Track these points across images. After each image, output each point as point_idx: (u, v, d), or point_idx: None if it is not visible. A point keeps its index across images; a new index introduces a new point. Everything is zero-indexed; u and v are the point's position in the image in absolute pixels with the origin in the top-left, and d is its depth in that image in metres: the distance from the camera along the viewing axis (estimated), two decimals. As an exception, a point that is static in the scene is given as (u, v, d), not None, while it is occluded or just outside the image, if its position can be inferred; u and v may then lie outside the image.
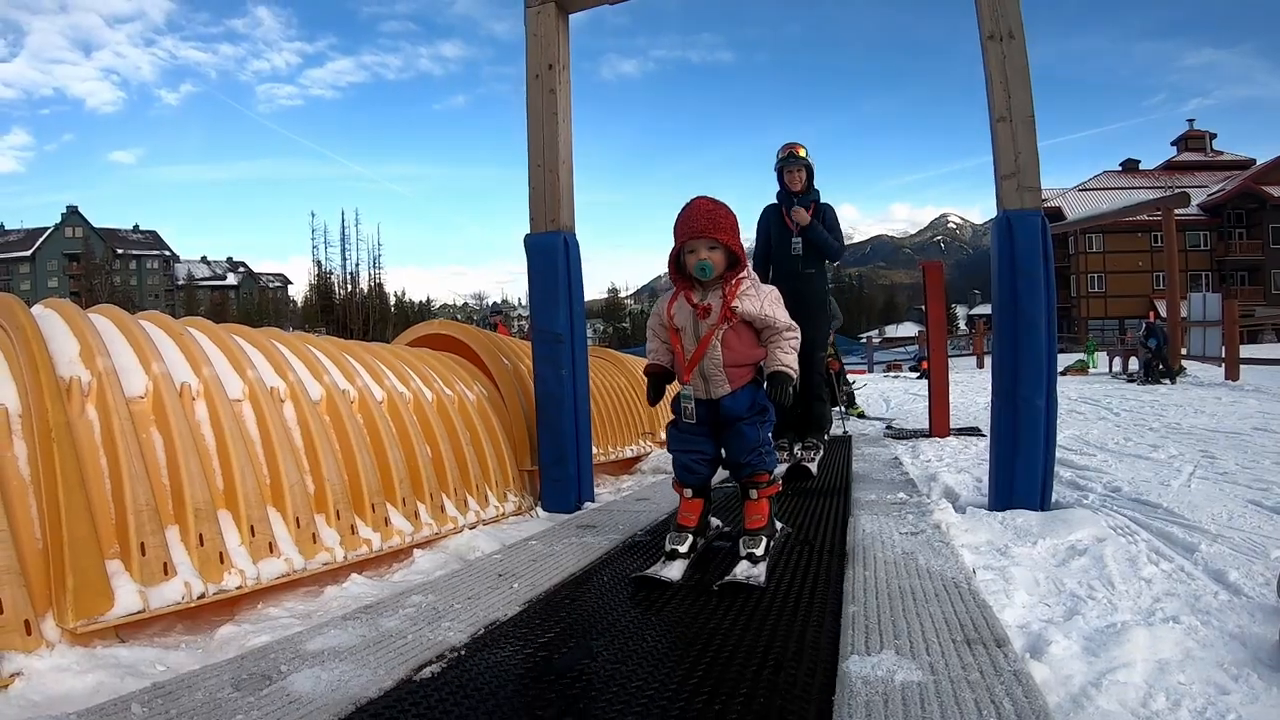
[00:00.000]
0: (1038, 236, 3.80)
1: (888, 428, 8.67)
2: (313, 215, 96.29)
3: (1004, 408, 3.90)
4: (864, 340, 52.93)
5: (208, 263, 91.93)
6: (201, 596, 2.64)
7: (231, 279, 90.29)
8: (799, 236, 5.38)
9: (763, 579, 2.65)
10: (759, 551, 2.75)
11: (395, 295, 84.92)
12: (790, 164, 5.41)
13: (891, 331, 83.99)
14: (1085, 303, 57.77)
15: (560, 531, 3.74)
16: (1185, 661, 2.10)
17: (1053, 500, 3.93)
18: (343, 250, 73.39)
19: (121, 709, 1.79)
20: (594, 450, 5.16)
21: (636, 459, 6.69)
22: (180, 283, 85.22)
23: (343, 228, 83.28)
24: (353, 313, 63.12)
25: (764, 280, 5.27)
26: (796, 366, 2.79)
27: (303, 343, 4.00)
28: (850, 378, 12.35)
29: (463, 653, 2.11)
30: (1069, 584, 2.80)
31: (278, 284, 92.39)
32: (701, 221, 2.74)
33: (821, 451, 5.46)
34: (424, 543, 3.67)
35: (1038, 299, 3.81)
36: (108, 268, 76.15)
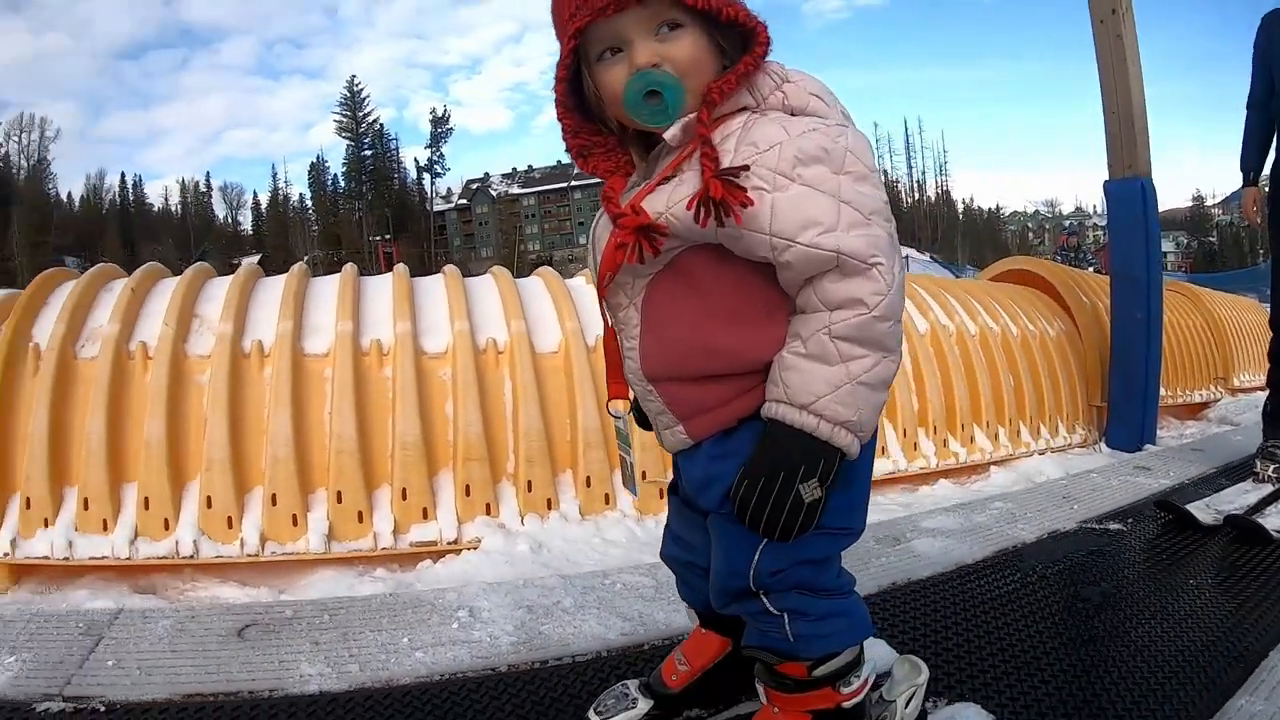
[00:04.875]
0: None
1: None
2: (875, 125, 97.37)
3: None
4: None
5: None
6: None
7: None
8: None
9: None
10: None
11: (963, 202, 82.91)
12: None
13: None
14: None
15: (1118, 469, 3.99)
16: None
17: None
18: (908, 158, 73.93)
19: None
20: (1161, 392, 5.20)
21: (1204, 405, 6.41)
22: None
23: (906, 135, 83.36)
24: (920, 221, 63.70)
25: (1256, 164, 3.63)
26: (859, 410, 1.11)
27: (908, 282, 4.82)
28: None
29: (1033, 545, 2.75)
30: None
31: None
32: None
33: None
34: (999, 461, 4.34)
35: None
36: None
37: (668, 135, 1.15)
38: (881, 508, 3.68)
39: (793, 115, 1.15)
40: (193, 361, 3.08)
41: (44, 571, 2.95)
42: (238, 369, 3.05)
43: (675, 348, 1.20)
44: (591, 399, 3.27)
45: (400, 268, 3.73)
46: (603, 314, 1.30)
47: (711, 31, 1.15)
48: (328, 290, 3.50)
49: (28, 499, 2.89)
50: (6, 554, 2.85)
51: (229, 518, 2.86)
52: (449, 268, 3.91)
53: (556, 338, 3.43)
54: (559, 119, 1.24)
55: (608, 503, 3.28)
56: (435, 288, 3.61)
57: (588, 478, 3.26)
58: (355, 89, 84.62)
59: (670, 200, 1.12)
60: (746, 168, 1.08)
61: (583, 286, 3.86)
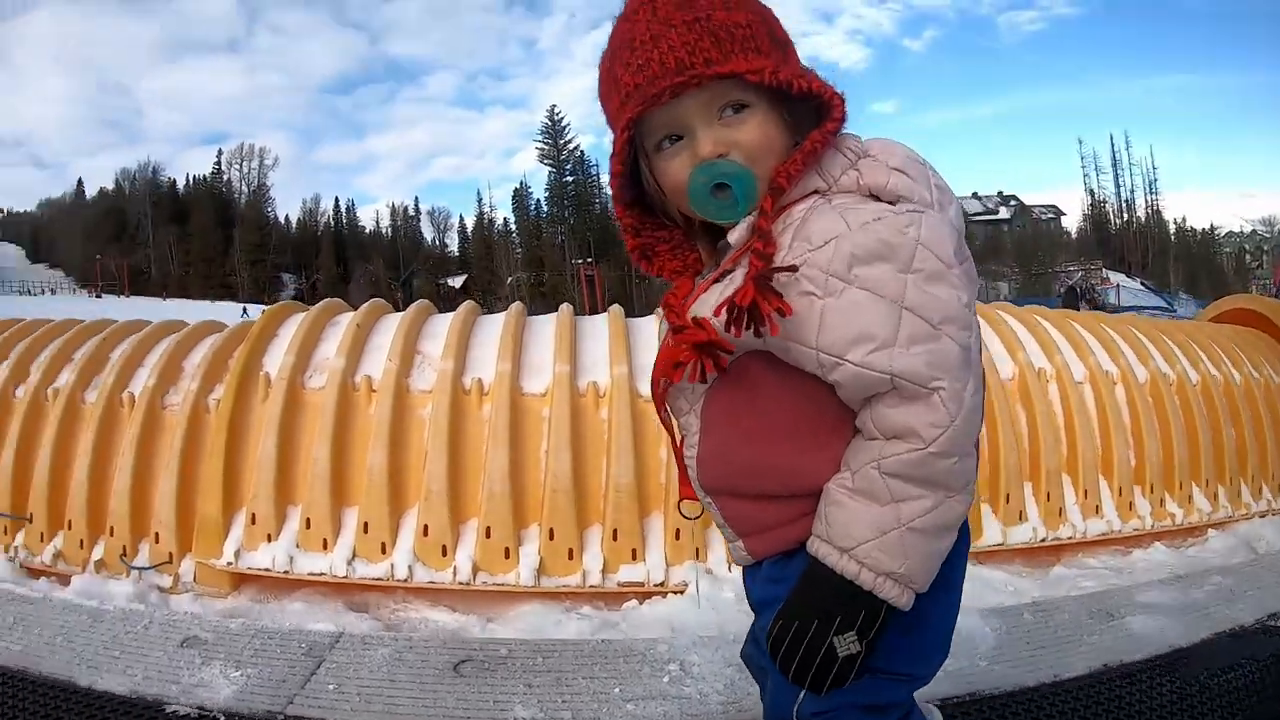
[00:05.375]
0: None
1: None
2: (1080, 142, 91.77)
3: None
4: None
5: (978, 198, 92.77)
6: (1042, 540, 3.48)
7: (1003, 213, 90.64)
8: None
9: None
10: None
11: (1174, 223, 77.30)
12: None
13: None
14: None
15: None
16: None
17: None
18: (1115, 177, 70.10)
19: (1015, 614, 2.65)
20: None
21: None
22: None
23: (1113, 152, 78.40)
24: (1130, 243, 59.83)
25: None
26: (907, 560, 0.97)
27: (1126, 325, 4.48)
28: None
29: (1253, 630, 2.50)
30: None
31: (1049, 216, 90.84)
32: (673, 38, 1.00)
33: None
34: (1217, 523, 3.95)
35: None
36: None
37: (732, 237, 1.05)
38: (1094, 573, 3.48)
39: (870, 197, 1.01)
40: (415, 396, 3.28)
41: (263, 582, 3.22)
42: (458, 405, 3.21)
43: (731, 462, 1.09)
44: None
45: (615, 309, 3.82)
46: (663, 420, 1.18)
47: (780, 107, 1.04)
48: (545, 330, 3.62)
49: (253, 514, 3.18)
50: (230, 563, 3.14)
51: (443, 546, 3.02)
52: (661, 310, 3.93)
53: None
54: (617, 217, 1.14)
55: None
56: (648, 328, 3.67)
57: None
58: (556, 118, 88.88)
59: (717, 303, 1.01)
60: (793, 268, 0.96)
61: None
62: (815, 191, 1.03)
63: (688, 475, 1.16)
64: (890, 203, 1.00)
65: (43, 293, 70.50)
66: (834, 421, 1.02)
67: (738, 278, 1.00)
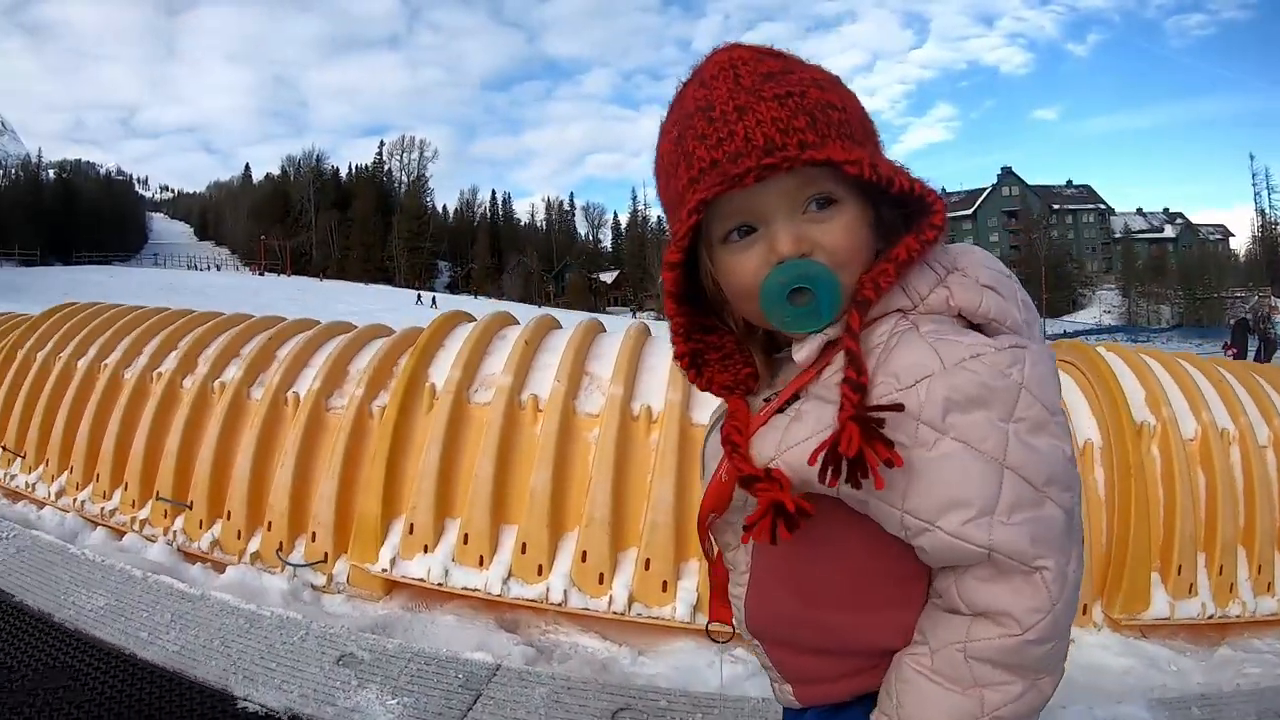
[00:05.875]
0: None
1: None
2: (1251, 158, 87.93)
3: None
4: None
5: (1143, 215, 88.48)
6: (1210, 617, 3.27)
7: (1169, 231, 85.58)
8: None
9: None
10: None
11: None
12: None
13: None
14: None
15: None
16: None
17: None
18: None
19: (1182, 709, 2.52)
20: None
21: None
22: (1115, 235, 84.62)
23: None
24: None
25: None
26: None
27: None
28: None
29: None
30: None
31: (1217, 236, 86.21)
32: (763, 112, 0.85)
33: None
34: None
35: None
36: (1044, 223, 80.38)
37: (799, 355, 0.90)
38: (1261, 658, 3.26)
39: (960, 322, 0.87)
40: (581, 419, 3.27)
41: (415, 590, 3.25)
42: (625, 432, 3.19)
43: (782, 613, 0.96)
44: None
45: None
46: (703, 544, 1.04)
47: (871, 207, 0.88)
48: None
49: (411, 525, 3.20)
50: (385, 570, 3.17)
51: (601, 574, 3.00)
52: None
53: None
54: (669, 315, 0.95)
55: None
56: None
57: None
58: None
59: (784, 443, 0.87)
60: (900, 407, 0.80)
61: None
62: (899, 310, 0.87)
63: (725, 594, 1.05)
64: (980, 326, 0.87)
65: (208, 269, 74.64)
66: (902, 579, 0.89)
67: (810, 412, 0.86)
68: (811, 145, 0.82)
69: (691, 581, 2.99)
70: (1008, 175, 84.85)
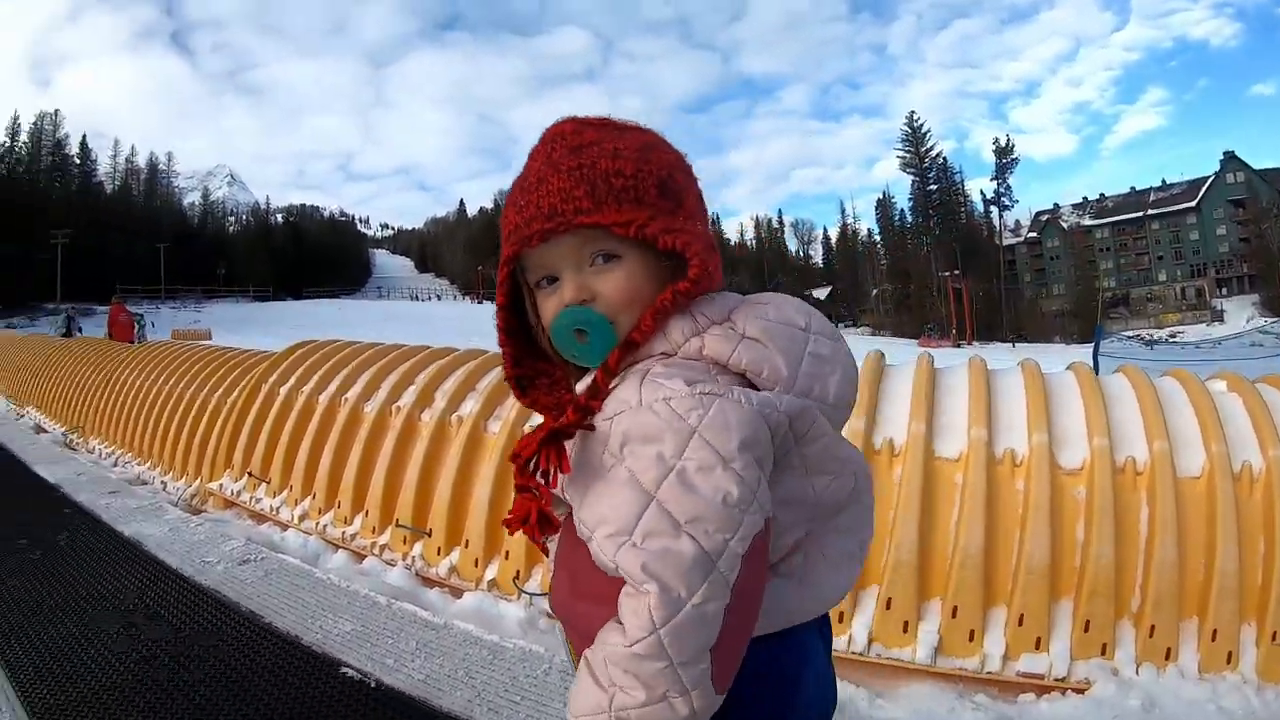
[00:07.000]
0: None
1: None
2: None
3: None
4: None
5: None
6: None
7: None
8: None
9: None
10: None
11: None
12: None
13: None
14: None
15: None
16: None
17: None
18: None
19: None
20: None
21: None
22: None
23: None
24: None
25: None
26: None
27: None
28: None
29: None
30: None
31: None
32: (553, 183, 1.01)
33: None
34: None
35: None
36: (1274, 211, 71.18)
37: (579, 387, 1.03)
38: None
39: (716, 366, 0.96)
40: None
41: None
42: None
43: (561, 598, 1.09)
44: (1233, 537, 2.78)
45: (1029, 364, 3.52)
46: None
47: (658, 260, 1.01)
48: (953, 383, 3.39)
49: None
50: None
51: (841, 613, 2.86)
52: (1077, 364, 3.64)
53: (1200, 461, 2.95)
54: (500, 345, 1.11)
55: (1229, 662, 2.76)
56: (1066, 389, 3.34)
57: (1214, 630, 2.76)
58: (915, 124, 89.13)
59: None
60: (591, 428, 0.95)
61: (1223, 392, 3.31)
62: (662, 353, 0.99)
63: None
64: (739, 373, 0.96)
65: (429, 299, 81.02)
66: (616, 584, 0.94)
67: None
68: (584, 211, 0.98)
69: (933, 623, 2.84)
70: (1231, 160, 76.36)
